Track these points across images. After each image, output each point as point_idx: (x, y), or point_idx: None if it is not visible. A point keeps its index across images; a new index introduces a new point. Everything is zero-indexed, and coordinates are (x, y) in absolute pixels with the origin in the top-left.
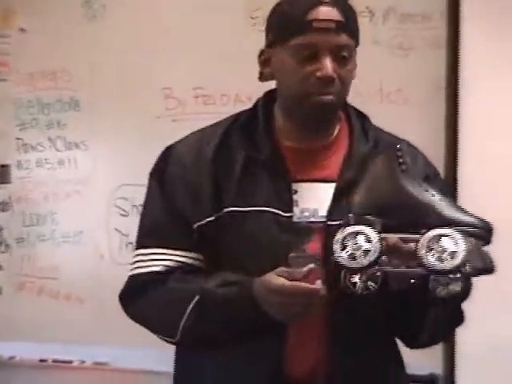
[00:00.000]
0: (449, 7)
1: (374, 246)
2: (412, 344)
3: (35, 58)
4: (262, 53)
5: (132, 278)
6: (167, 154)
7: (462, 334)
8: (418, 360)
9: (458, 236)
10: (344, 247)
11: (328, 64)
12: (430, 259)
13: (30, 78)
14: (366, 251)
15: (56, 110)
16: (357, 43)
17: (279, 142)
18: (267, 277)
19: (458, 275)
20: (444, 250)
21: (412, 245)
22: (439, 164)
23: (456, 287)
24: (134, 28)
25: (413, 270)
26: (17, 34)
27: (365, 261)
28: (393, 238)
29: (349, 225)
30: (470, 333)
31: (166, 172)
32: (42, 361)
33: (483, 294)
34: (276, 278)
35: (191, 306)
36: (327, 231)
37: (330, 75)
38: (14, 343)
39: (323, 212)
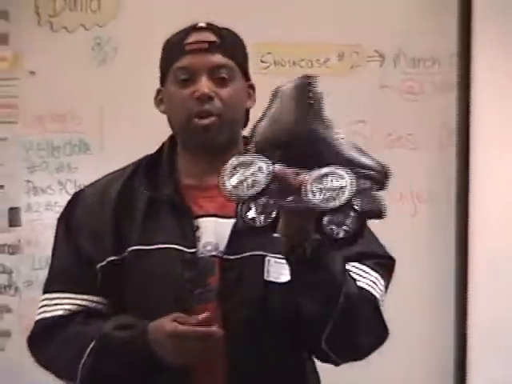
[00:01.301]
0: (459, 51)
1: (263, 177)
2: (328, 356)
3: (44, 100)
4: (157, 93)
5: (37, 323)
6: (74, 198)
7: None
8: None
9: (346, 175)
10: (233, 176)
11: (203, 83)
12: (313, 197)
13: (40, 120)
14: (255, 182)
15: (66, 152)
16: (241, 66)
17: (180, 181)
18: (161, 321)
19: (351, 213)
20: (329, 189)
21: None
22: (450, 210)
23: (351, 225)
24: (145, 71)
25: (303, 205)
26: (26, 77)
27: (250, 191)
28: (287, 171)
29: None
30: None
31: (72, 215)
32: None
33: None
34: (170, 323)
35: (89, 349)
36: (224, 265)
37: (204, 92)
38: None
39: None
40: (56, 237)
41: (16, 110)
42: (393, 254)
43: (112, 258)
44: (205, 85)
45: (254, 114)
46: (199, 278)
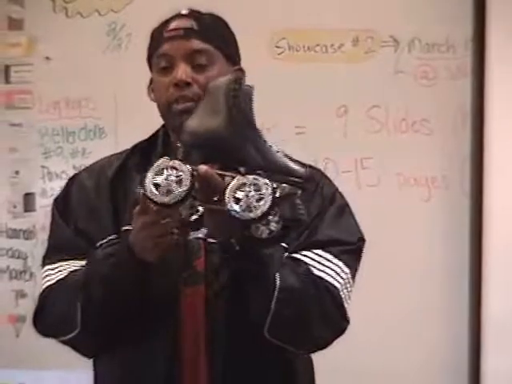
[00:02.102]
0: (474, 36)
1: (182, 188)
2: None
3: (59, 86)
4: (150, 81)
5: (42, 293)
6: (71, 181)
7: None
8: None
9: (265, 186)
10: (155, 179)
11: (180, 70)
12: (233, 205)
13: (55, 106)
14: (172, 189)
15: (81, 138)
16: (223, 50)
17: None
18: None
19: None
20: (248, 199)
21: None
22: (465, 195)
23: (276, 225)
24: None
25: (223, 208)
26: (41, 63)
27: (167, 198)
28: (210, 173)
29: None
30: None
31: (68, 197)
32: None
33: None
34: (137, 219)
35: (81, 283)
36: (209, 248)
37: (180, 79)
38: (38, 372)
39: None
40: (52, 218)
41: (31, 96)
42: (406, 239)
43: (112, 236)
44: (181, 71)
45: (263, 100)
46: (185, 261)
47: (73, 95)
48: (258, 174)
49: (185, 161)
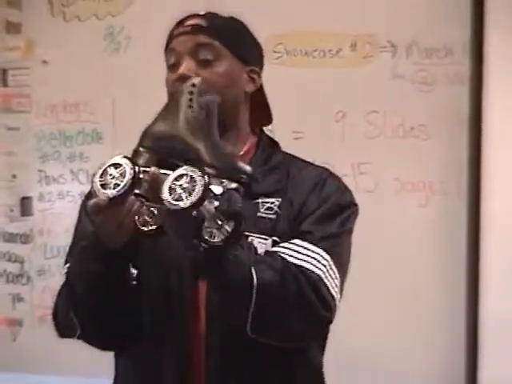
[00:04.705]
0: (472, 41)
1: (125, 179)
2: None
3: (57, 90)
4: None
5: (58, 293)
6: None
7: None
8: None
9: (198, 177)
10: (102, 176)
11: (183, 65)
12: (166, 195)
13: (52, 110)
14: (117, 184)
15: (78, 142)
16: (232, 48)
17: None
18: None
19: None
20: (181, 189)
21: None
22: (462, 200)
23: (228, 228)
24: (157, 60)
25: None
26: (39, 66)
27: (112, 192)
28: (156, 173)
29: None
30: None
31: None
32: None
33: None
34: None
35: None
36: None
37: (182, 73)
38: (34, 376)
39: None
40: (79, 214)
41: (29, 100)
42: (403, 245)
43: None
44: (185, 66)
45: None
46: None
47: (70, 99)
48: (202, 170)
49: (146, 164)
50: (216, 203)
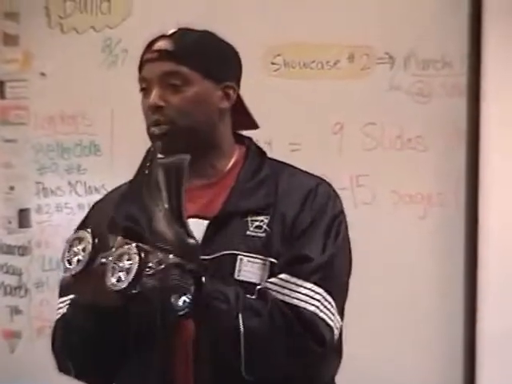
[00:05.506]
0: (470, 53)
1: (86, 255)
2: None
3: (55, 102)
4: None
5: (54, 327)
6: (90, 208)
7: None
8: None
9: (135, 255)
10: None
11: (153, 93)
12: (110, 276)
13: (50, 122)
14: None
15: (76, 154)
16: (202, 70)
17: None
18: None
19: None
20: (120, 269)
21: None
22: (460, 212)
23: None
24: None
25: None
26: (36, 78)
27: (75, 268)
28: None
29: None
30: None
31: (84, 224)
32: None
33: None
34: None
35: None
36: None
37: (152, 103)
38: None
39: None
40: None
41: (26, 112)
42: (401, 257)
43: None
44: (154, 95)
45: (258, 117)
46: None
47: (68, 111)
48: (138, 246)
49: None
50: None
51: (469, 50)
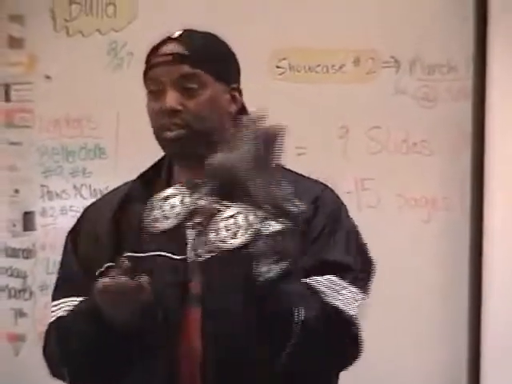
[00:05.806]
0: (475, 56)
1: (179, 209)
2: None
3: (60, 105)
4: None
5: (46, 330)
6: (83, 212)
7: None
8: None
9: (243, 218)
10: (158, 208)
11: (168, 97)
12: (214, 236)
13: (55, 125)
14: (169, 215)
15: (81, 157)
16: (215, 73)
17: None
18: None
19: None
20: (227, 230)
21: None
22: (465, 216)
23: (281, 266)
24: None
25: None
26: (41, 81)
27: (164, 224)
28: (207, 208)
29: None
30: None
31: (77, 229)
32: None
33: None
34: (101, 280)
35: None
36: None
37: (168, 107)
38: None
39: None
40: (64, 249)
41: (31, 115)
42: (406, 261)
43: (109, 264)
44: (170, 98)
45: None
46: (181, 283)
47: (73, 114)
48: (253, 210)
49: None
50: (265, 242)
51: (474, 54)
